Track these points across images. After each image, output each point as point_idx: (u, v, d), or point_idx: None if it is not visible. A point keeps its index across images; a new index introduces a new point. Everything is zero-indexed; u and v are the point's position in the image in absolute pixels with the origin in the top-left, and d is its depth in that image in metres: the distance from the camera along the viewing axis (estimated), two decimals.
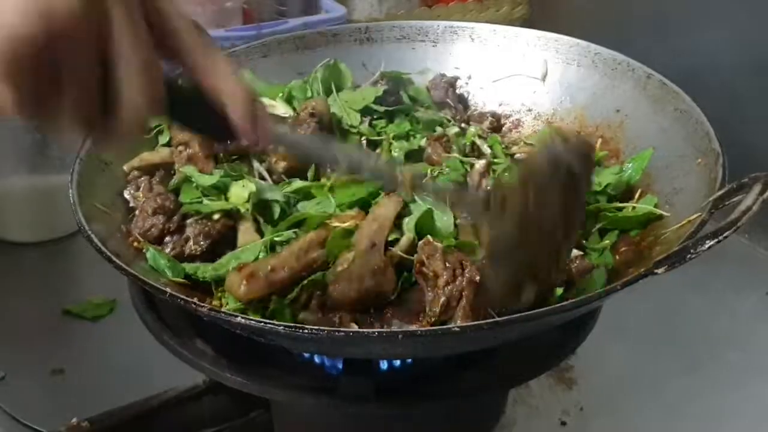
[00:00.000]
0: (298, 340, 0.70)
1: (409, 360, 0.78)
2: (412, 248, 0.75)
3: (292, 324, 0.64)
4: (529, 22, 1.52)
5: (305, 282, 0.73)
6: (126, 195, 0.86)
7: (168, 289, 0.68)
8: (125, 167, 0.88)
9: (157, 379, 0.86)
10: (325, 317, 0.72)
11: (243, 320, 0.65)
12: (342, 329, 0.66)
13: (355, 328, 0.70)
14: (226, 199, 0.83)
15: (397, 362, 0.77)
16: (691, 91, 0.85)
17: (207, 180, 0.84)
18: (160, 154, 0.90)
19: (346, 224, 0.76)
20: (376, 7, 1.52)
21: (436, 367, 0.78)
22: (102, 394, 0.88)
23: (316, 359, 0.78)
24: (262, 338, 0.71)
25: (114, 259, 0.71)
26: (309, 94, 0.96)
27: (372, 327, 0.71)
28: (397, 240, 0.75)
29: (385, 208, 0.77)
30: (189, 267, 0.78)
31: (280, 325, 0.64)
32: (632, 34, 1.18)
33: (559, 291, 0.72)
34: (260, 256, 0.77)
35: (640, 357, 1.00)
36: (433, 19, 1.32)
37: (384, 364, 0.77)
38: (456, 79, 1.00)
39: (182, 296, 0.67)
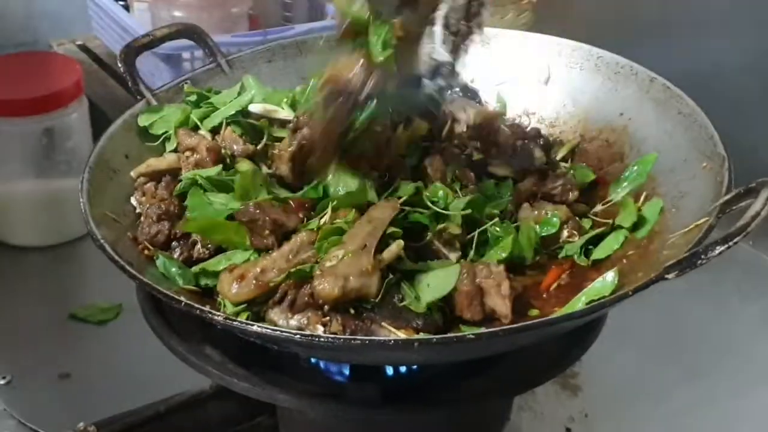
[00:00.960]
0: (314, 348, 0.70)
1: (416, 366, 0.78)
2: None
3: (308, 333, 0.64)
4: (533, 28, 1.52)
5: (291, 271, 0.73)
6: (133, 201, 0.87)
7: (183, 299, 0.68)
8: (132, 173, 0.88)
9: (163, 384, 0.86)
10: (293, 317, 0.72)
11: (258, 329, 0.65)
12: (358, 337, 0.66)
13: (320, 330, 0.70)
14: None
15: (404, 368, 0.78)
16: (694, 96, 0.85)
17: (210, 171, 0.85)
18: (166, 160, 0.90)
19: (338, 221, 0.76)
20: None
21: (442, 373, 0.78)
22: (108, 399, 0.88)
23: (323, 365, 0.79)
24: (276, 346, 0.71)
25: (128, 268, 0.72)
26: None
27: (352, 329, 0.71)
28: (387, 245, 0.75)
29: (381, 211, 0.77)
30: (193, 270, 0.78)
31: (296, 334, 0.64)
32: (636, 42, 1.18)
33: None
34: (251, 257, 0.77)
35: (645, 364, 1.00)
36: None
37: (390, 370, 0.78)
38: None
39: (197, 305, 0.68)
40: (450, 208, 0.79)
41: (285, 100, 0.96)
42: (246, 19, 1.38)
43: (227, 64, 1.00)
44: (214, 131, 0.92)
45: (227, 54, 1.01)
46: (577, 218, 0.83)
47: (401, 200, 0.78)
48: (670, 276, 0.65)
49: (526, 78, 0.99)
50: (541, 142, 0.91)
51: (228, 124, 0.91)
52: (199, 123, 0.92)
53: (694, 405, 0.95)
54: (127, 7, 1.42)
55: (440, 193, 0.80)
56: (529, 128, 0.94)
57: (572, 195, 0.85)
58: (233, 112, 0.92)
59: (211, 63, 1.00)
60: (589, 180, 0.88)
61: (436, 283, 0.73)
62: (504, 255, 0.77)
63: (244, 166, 0.86)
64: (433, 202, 0.79)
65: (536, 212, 0.82)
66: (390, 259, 0.73)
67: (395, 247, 0.74)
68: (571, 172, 0.88)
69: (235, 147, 0.89)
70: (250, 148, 0.89)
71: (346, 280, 0.70)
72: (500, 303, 0.72)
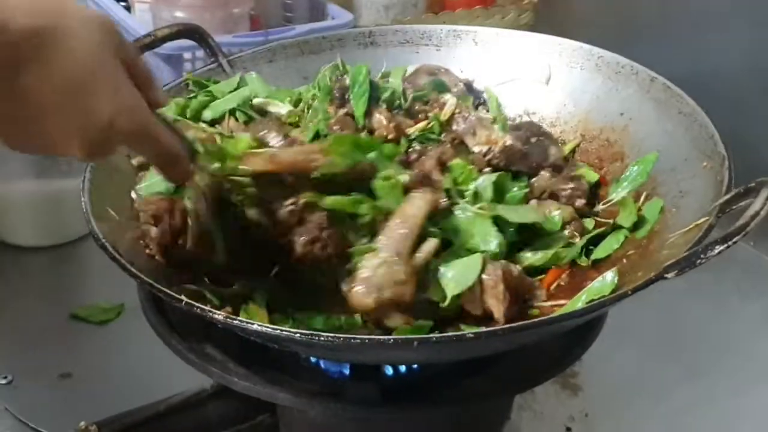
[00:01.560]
0: (314, 347, 0.70)
1: (416, 365, 0.78)
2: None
3: (308, 332, 0.65)
4: (534, 28, 1.52)
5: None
6: (133, 195, 0.86)
7: (183, 297, 0.68)
8: (134, 161, 0.87)
9: (164, 383, 0.86)
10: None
11: (258, 327, 0.65)
12: (357, 336, 0.66)
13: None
14: None
15: (404, 367, 0.78)
16: (694, 96, 0.85)
17: None
18: None
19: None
20: (383, 13, 1.53)
21: (442, 372, 0.78)
22: (109, 398, 0.89)
23: (323, 364, 0.79)
24: (276, 344, 0.71)
25: (129, 267, 0.72)
26: (315, 93, 0.96)
27: None
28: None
29: (415, 207, 0.74)
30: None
31: (296, 333, 0.64)
32: (637, 42, 1.18)
33: None
34: None
35: (645, 363, 1.00)
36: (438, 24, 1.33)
37: (390, 369, 0.78)
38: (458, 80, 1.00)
39: (198, 304, 0.68)
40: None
41: (288, 99, 0.96)
42: (247, 20, 1.39)
43: (228, 64, 1.00)
44: (214, 121, 0.92)
45: (228, 54, 1.01)
46: (582, 219, 0.83)
47: None
48: (669, 275, 0.65)
49: (527, 78, 0.99)
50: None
51: (231, 114, 0.91)
52: (186, 120, 0.91)
53: (695, 404, 0.95)
54: (128, 8, 1.42)
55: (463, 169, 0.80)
56: None
57: (579, 202, 0.84)
58: (235, 105, 0.92)
59: (212, 63, 1.00)
60: (594, 181, 0.88)
61: (459, 274, 0.72)
62: None
63: None
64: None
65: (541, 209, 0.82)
66: (425, 260, 0.72)
67: (431, 246, 0.72)
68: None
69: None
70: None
71: (380, 291, 0.69)
72: (494, 304, 0.72)
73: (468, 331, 0.68)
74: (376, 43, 1.04)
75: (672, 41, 1.26)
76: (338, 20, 1.35)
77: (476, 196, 0.79)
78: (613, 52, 0.94)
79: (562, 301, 0.74)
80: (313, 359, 0.79)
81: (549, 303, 0.75)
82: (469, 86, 0.99)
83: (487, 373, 0.77)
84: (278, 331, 0.65)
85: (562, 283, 0.78)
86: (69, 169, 1.15)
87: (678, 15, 1.27)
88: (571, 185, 0.85)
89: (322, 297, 0.74)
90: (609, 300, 0.68)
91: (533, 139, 0.89)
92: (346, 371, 0.77)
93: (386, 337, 0.65)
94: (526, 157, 0.87)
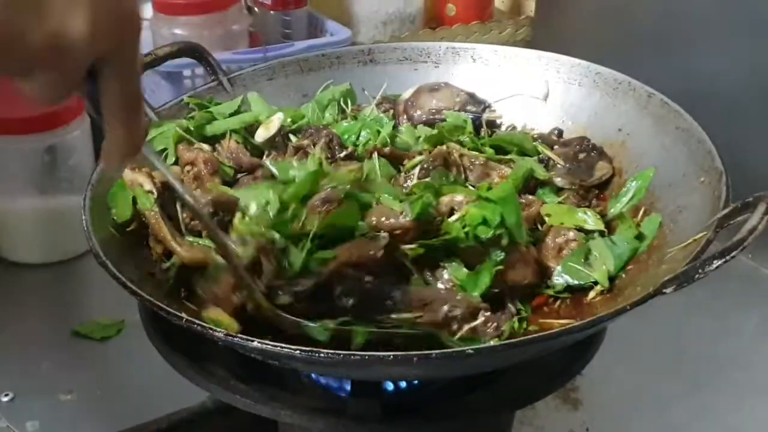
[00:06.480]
0: (314, 364, 0.70)
1: (416, 381, 0.78)
2: None
3: (308, 348, 0.65)
4: (531, 43, 1.53)
5: None
6: None
7: (184, 315, 0.69)
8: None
9: (165, 400, 0.87)
10: None
11: (258, 344, 0.65)
12: (357, 353, 0.66)
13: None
14: None
15: (405, 383, 0.78)
16: (692, 112, 0.86)
17: None
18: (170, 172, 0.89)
19: None
20: (381, 29, 1.54)
21: (443, 388, 0.78)
22: (110, 415, 0.89)
23: (324, 380, 0.79)
24: (276, 362, 0.71)
25: (129, 284, 0.72)
26: (320, 116, 0.96)
27: None
28: None
29: None
30: None
31: (296, 350, 0.64)
32: (635, 57, 1.19)
33: None
34: None
35: (645, 377, 1.00)
36: (436, 41, 1.34)
37: (391, 385, 0.78)
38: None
39: (198, 322, 0.68)
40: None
41: (290, 119, 0.96)
42: (246, 36, 1.40)
43: (228, 82, 1.00)
44: (215, 140, 0.93)
45: (228, 72, 1.02)
46: None
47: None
48: (667, 290, 0.65)
49: (526, 94, 0.99)
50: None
51: (231, 135, 0.92)
52: (187, 136, 0.91)
53: (695, 417, 0.95)
54: None
55: None
56: None
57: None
58: (237, 127, 0.92)
59: (212, 81, 1.01)
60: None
61: None
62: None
63: None
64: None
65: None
66: None
67: None
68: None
69: (242, 158, 0.89)
70: (255, 161, 0.90)
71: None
72: None
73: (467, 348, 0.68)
74: (375, 61, 1.04)
75: (669, 57, 1.27)
76: (336, 36, 1.36)
77: None
78: (610, 68, 0.95)
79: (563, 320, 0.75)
80: (314, 375, 0.79)
81: (549, 319, 0.75)
82: (472, 96, 0.99)
83: (488, 388, 0.77)
84: (278, 348, 0.65)
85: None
86: (70, 187, 1.16)
87: (675, 31, 1.28)
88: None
89: None
90: (608, 315, 0.68)
91: (581, 155, 0.89)
92: (348, 387, 0.77)
93: (386, 353, 0.65)
94: (570, 173, 0.87)
